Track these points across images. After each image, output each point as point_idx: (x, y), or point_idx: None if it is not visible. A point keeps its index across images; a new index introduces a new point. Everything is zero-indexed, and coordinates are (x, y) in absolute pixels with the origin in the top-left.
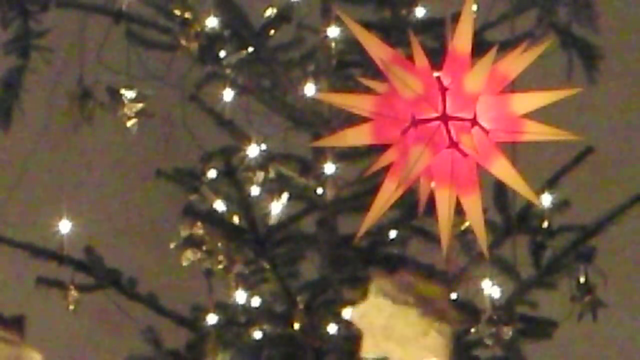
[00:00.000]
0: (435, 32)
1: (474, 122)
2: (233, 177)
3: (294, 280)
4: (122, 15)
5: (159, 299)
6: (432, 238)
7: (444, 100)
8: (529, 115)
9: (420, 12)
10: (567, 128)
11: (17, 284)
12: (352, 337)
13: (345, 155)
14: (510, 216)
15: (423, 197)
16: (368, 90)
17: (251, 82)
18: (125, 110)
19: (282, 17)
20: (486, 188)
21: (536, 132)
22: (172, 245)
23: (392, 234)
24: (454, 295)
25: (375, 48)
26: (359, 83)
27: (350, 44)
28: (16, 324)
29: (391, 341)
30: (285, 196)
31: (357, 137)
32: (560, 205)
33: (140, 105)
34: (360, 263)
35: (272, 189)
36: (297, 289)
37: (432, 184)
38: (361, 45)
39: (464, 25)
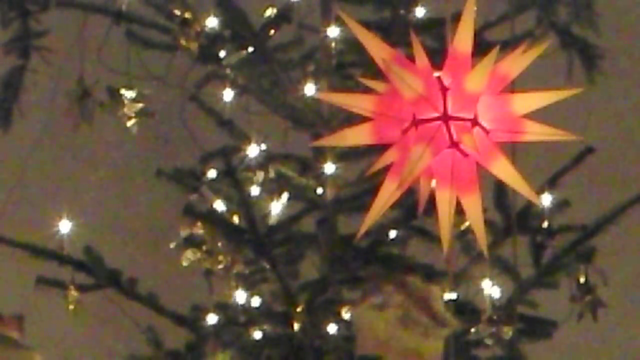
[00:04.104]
0: (435, 32)
1: (474, 122)
2: (233, 177)
3: (294, 280)
4: (122, 15)
5: (159, 299)
6: (432, 238)
7: (444, 100)
8: (529, 116)
9: (420, 12)
10: (567, 128)
11: (17, 284)
12: (352, 337)
13: (345, 155)
14: (510, 216)
15: (423, 197)
16: (368, 90)
17: (251, 82)
18: (125, 110)
19: (282, 17)
20: (486, 188)
21: (536, 132)
22: (172, 245)
23: (392, 234)
24: (454, 295)
25: (376, 48)
26: (359, 83)
27: (350, 44)
28: (15, 324)
29: (388, 342)
30: (285, 196)
31: (357, 137)
32: (560, 205)
33: (140, 105)
34: (360, 263)
35: (272, 189)
36: (297, 289)
37: (433, 184)
38: (361, 45)
39: (465, 25)
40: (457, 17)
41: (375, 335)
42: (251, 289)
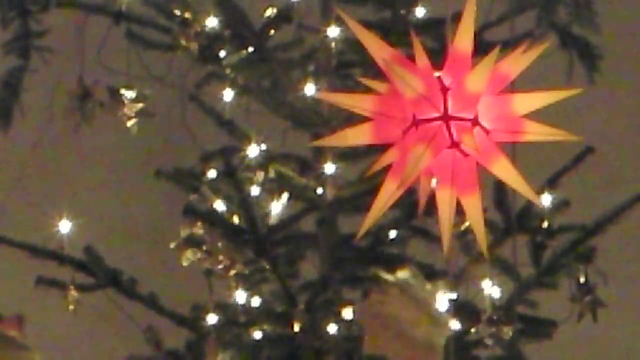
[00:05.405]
0: (436, 32)
1: (475, 122)
2: (233, 177)
3: (294, 280)
4: (122, 15)
5: (159, 299)
6: (432, 238)
7: (445, 100)
8: (529, 116)
9: (420, 12)
10: (567, 128)
11: (17, 284)
12: (352, 337)
13: (345, 155)
14: (510, 216)
15: (423, 197)
16: (368, 90)
17: (251, 82)
18: (125, 110)
19: (282, 17)
20: (486, 188)
21: (537, 132)
22: (172, 245)
23: (392, 234)
24: (454, 295)
25: (376, 48)
26: (359, 83)
27: (350, 44)
28: (15, 324)
29: (394, 335)
30: (285, 196)
31: (357, 137)
32: (560, 205)
33: (140, 105)
34: (360, 263)
35: (272, 189)
36: (297, 289)
37: (433, 184)
38: (361, 45)
39: (465, 25)
40: (457, 17)
41: (388, 328)
42: (251, 289)
